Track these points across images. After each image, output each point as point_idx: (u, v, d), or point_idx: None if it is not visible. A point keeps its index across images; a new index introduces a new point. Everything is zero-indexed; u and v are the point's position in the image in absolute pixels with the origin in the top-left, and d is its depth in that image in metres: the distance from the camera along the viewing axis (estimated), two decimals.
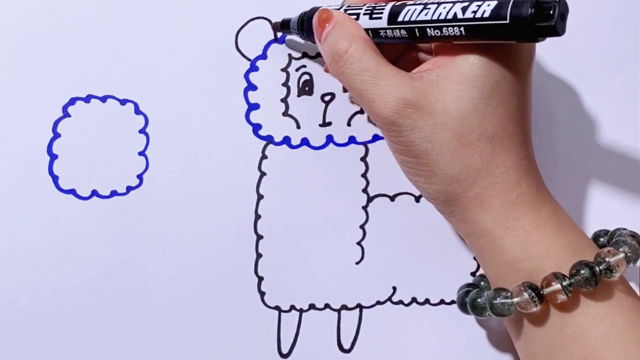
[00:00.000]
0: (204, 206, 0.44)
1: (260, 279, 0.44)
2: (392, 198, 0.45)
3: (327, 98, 0.44)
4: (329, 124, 0.44)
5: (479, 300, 0.39)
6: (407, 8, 0.36)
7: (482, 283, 0.42)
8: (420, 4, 0.36)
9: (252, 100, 0.44)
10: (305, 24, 0.41)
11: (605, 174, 0.45)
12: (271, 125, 0.44)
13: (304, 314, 0.45)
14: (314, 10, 0.40)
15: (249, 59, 0.44)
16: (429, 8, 0.35)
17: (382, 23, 0.37)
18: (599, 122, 0.45)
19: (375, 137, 0.44)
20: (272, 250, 0.44)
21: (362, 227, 0.44)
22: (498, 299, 0.37)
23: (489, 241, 0.37)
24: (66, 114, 0.43)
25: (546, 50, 0.45)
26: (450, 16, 0.34)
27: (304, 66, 0.44)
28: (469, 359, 0.45)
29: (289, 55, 0.44)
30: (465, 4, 0.34)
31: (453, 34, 0.35)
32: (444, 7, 0.35)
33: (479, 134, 0.36)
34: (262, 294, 0.44)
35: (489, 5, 0.33)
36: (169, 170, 0.44)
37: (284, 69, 0.44)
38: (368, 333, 0.45)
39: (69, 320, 0.44)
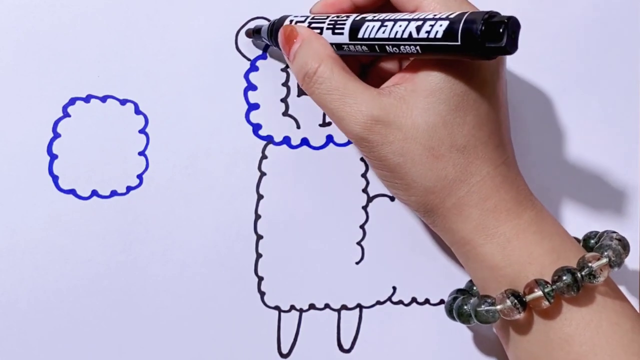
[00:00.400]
0: (204, 206, 0.44)
1: (260, 279, 0.44)
2: (392, 198, 0.45)
3: None
4: (329, 124, 0.44)
5: (465, 307, 0.39)
6: (365, 24, 0.37)
7: (475, 288, 0.42)
8: (377, 20, 0.36)
9: (252, 100, 0.44)
10: (274, 35, 0.41)
11: (603, 174, 0.45)
12: (271, 125, 0.44)
13: (304, 314, 0.45)
14: (282, 19, 0.41)
15: (249, 59, 0.44)
16: (386, 25, 0.36)
17: (344, 39, 0.38)
18: (598, 122, 0.45)
19: None
20: (272, 250, 0.44)
21: (362, 227, 0.45)
22: (482, 307, 0.37)
23: (470, 250, 0.38)
24: (66, 114, 0.43)
25: (545, 50, 0.45)
26: (405, 35, 0.35)
27: None
28: (468, 359, 0.45)
29: None
30: (419, 23, 0.35)
31: (411, 51, 0.35)
32: (400, 26, 0.35)
33: (449, 146, 0.36)
34: (262, 294, 0.44)
35: (441, 25, 0.34)
36: (169, 170, 0.44)
37: (284, 69, 0.44)
38: (368, 333, 0.45)
39: (69, 320, 0.44)
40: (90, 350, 0.44)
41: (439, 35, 0.34)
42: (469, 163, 0.37)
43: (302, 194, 0.44)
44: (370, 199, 0.44)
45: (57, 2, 0.43)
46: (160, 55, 0.43)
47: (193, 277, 0.44)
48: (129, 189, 0.44)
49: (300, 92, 0.44)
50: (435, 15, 0.34)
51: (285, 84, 0.44)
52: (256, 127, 0.44)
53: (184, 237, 0.44)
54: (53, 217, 0.43)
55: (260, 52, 0.44)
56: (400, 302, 0.45)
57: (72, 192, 0.43)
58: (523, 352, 0.38)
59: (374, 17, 0.37)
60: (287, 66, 0.44)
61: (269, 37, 0.42)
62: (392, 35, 0.35)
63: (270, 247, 0.44)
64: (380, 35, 0.36)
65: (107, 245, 0.44)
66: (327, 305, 0.45)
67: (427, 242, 0.45)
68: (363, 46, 0.37)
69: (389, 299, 0.45)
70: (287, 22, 0.41)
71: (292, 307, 0.45)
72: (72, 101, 0.43)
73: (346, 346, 0.45)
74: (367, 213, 0.44)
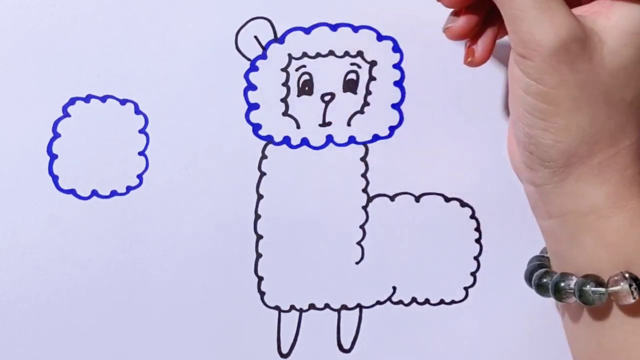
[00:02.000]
0: (204, 206, 0.44)
1: (260, 279, 0.44)
2: (392, 198, 0.45)
3: (327, 98, 0.44)
4: (329, 124, 0.44)
5: (563, 284, 0.35)
6: None
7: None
8: None
9: (252, 100, 0.44)
10: None
11: None
12: (271, 125, 0.44)
13: (303, 314, 0.45)
14: None
15: (249, 59, 0.44)
16: None
17: None
18: None
19: (375, 137, 0.44)
20: (272, 250, 0.44)
21: (362, 227, 0.44)
22: (588, 286, 0.34)
23: (593, 220, 0.34)
24: (66, 114, 0.43)
25: None
26: None
27: (304, 66, 0.44)
28: (468, 359, 0.45)
29: (289, 55, 0.44)
30: None
31: None
32: None
33: (621, 96, 0.33)
34: (262, 294, 0.44)
35: None
36: (169, 170, 0.44)
37: (284, 69, 0.44)
38: (368, 333, 0.45)
39: (69, 320, 0.44)
40: (90, 350, 0.44)
41: None
42: (628, 123, 0.33)
43: (302, 194, 0.44)
44: (370, 199, 0.44)
45: (57, 2, 0.43)
46: (160, 55, 0.43)
47: (193, 277, 0.44)
48: (129, 189, 0.44)
49: (300, 92, 0.44)
50: None
51: (285, 84, 0.44)
52: (256, 127, 0.44)
53: (184, 237, 0.44)
54: (53, 217, 0.43)
55: (260, 52, 0.44)
56: (400, 302, 0.45)
57: (72, 192, 0.43)
58: (618, 339, 0.34)
59: None
60: (287, 66, 0.44)
61: None
62: None
63: (270, 247, 0.44)
64: None
65: (107, 245, 0.44)
66: (327, 305, 0.45)
67: (427, 242, 0.45)
68: None
69: (389, 299, 0.45)
70: None
71: (292, 307, 0.45)
72: (72, 101, 0.43)
73: (346, 346, 0.45)
74: (367, 213, 0.44)
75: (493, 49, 0.38)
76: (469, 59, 0.38)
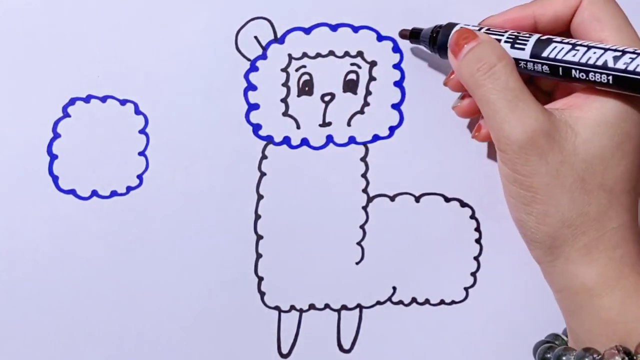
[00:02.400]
0: (204, 206, 0.44)
1: (260, 279, 0.44)
2: (392, 198, 0.45)
3: (327, 98, 0.44)
4: (329, 124, 0.44)
5: (564, 358, 0.37)
6: (553, 44, 0.36)
7: (556, 342, 0.40)
8: (567, 43, 0.36)
9: (252, 101, 0.44)
10: (438, 38, 0.40)
11: None
12: (271, 125, 0.44)
13: (303, 314, 0.45)
14: (450, 25, 0.40)
15: (249, 59, 0.44)
16: (578, 50, 0.35)
17: (524, 55, 0.37)
18: None
19: (375, 137, 0.44)
20: (272, 250, 0.44)
21: (362, 227, 0.44)
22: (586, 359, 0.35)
23: (585, 299, 0.36)
24: (66, 114, 0.43)
25: None
26: (599, 63, 0.34)
27: (304, 66, 0.44)
28: (468, 359, 0.45)
29: (289, 55, 0.44)
30: (618, 53, 0.34)
31: (599, 80, 0.34)
32: (594, 52, 0.35)
33: (600, 183, 0.35)
34: (262, 294, 0.44)
35: None
36: (169, 170, 0.44)
37: (284, 69, 0.44)
38: (368, 333, 0.45)
39: (69, 320, 0.44)
40: (90, 350, 0.44)
41: (639, 70, 0.33)
42: (611, 207, 0.35)
43: (302, 194, 0.44)
44: (370, 199, 0.44)
45: (57, 2, 0.43)
46: (160, 55, 0.43)
47: (193, 277, 0.44)
48: (129, 189, 0.44)
49: (300, 92, 0.44)
50: (635, 50, 0.34)
51: (285, 84, 0.44)
52: (256, 127, 0.44)
53: (184, 237, 0.44)
54: (53, 217, 0.43)
55: (260, 52, 0.44)
56: (400, 302, 0.45)
57: (72, 192, 0.43)
58: None
59: (562, 39, 0.36)
60: (287, 66, 0.44)
61: (430, 40, 0.41)
62: (583, 60, 0.35)
63: (270, 247, 0.44)
64: (569, 57, 0.35)
65: (107, 245, 0.44)
66: (327, 306, 0.45)
67: (427, 242, 0.45)
68: (544, 66, 0.36)
69: (389, 299, 0.45)
70: (457, 27, 0.39)
71: (292, 307, 0.45)
72: (72, 101, 0.43)
73: (346, 346, 0.45)
74: (367, 213, 0.44)
75: None
76: (476, 133, 0.42)
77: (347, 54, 0.44)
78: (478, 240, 0.45)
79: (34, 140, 0.43)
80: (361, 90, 0.44)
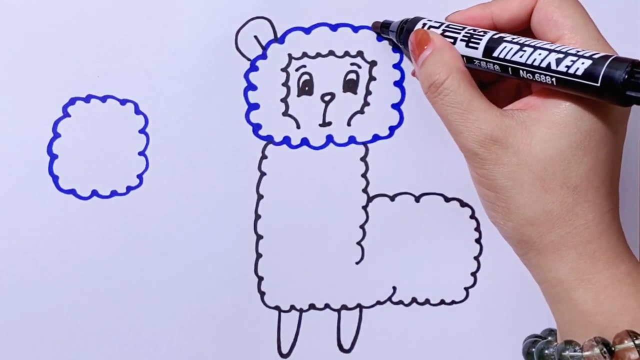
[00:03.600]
0: (204, 206, 0.44)
1: (260, 279, 0.44)
2: (392, 198, 0.45)
3: (327, 98, 0.44)
4: (329, 124, 0.44)
5: (547, 351, 0.38)
6: (503, 44, 0.36)
7: (550, 337, 0.41)
8: (517, 43, 0.36)
9: (252, 100, 0.44)
10: (404, 34, 0.41)
11: None
12: (271, 125, 0.44)
13: (304, 314, 0.45)
14: (415, 20, 0.40)
15: (249, 59, 0.44)
16: (525, 50, 0.35)
17: (477, 54, 0.37)
18: None
19: (375, 137, 0.44)
20: (272, 250, 0.44)
21: (362, 227, 0.44)
22: (567, 352, 0.36)
23: (561, 291, 0.37)
24: (66, 114, 0.43)
25: None
26: (543, 64, 0.35)
27: (304, 66, 0.44)
28: (468, 359, 0.45)
29: (289, 55, 0.44)
30: (560, 55, 0.34)
31: (544, 81, 0.35)
32: (539, 54, 0.35)
33: (561, 182, 0.36)
34: (262, 294, 0.44)
35: (582, 63, 0.33)
36: (169, 170, 0.44)
37: (284, 69, 0.44)
38: (368, 333, 0.45)
39: (69, 320, 0.44)
40: (90, 350, 0.44)
41: (579, 73, 0.33)
42: (577, 204, 0.36)
43: (302, 194, 0.44)
44: (370, 199, 0.44)
45: (57, 2, 0.43)
46: (160, 55, 0.43)
47: (193, 277, 0.44)
48: (129, 189, 0.44)
49: (300, 92, 0.44)
50: (577, 51, 0.34)
51: (285, 84, 0.44)
52: (256, 127, 0.44)
53: (184, 237, 0.44)
54: (53, 217, 0.43)
55: (260, 52, 0.44)
56: (400, 302, 0.45)
57: (72, 192, 0.43)
58: None
59: (513, 39, 0.36)
60: (287, 66, 0.44)
61: (397, 35, 0.41)
62: (529, 62, 0.35)
63: (270, 247, 0.44)
64: (516, 58, 0.36)
65: (107, 245, 0.44)
66: (327, 305, 0.45)
67: (427, 242, 0.45)
68: (495, 65, 0.37)
69: (389, 299, 0.45)
70: (419, 24, 0.40)
71: (292, 307, 0.45)
72: (72, 101, 0.43)
73: (346, 346, 0.45)
74: (367, 213, 0.44)
75: None
76: None
77: (347, 53, 0.44)
78: (478, 240, 0.45)
79: (34, 140, 0.43)
80: (361, 90, 0.44)
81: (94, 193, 0.44)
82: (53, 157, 0.43)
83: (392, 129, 0.44)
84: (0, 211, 0.43)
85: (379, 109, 0.44)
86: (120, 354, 0.44)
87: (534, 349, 0.39)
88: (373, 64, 0.44)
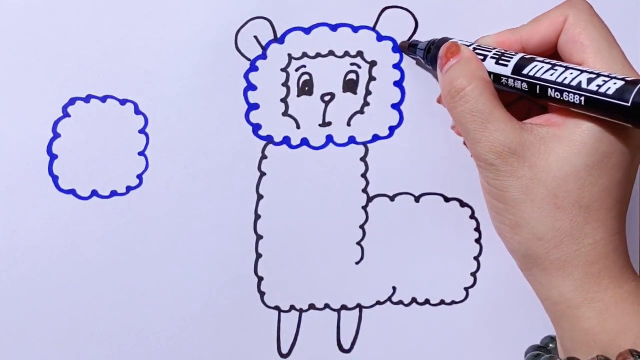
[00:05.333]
0: (204, 206, 0.44)
1: (260, 279, 0.44)
2: (392, 198, 0.45)
3: (327, 98, 0.44)
4: (329, 124, 0.44)
5: None
6: (534, 63, 0.36)
7: (551, 345, 0.41)
8: (549, 63, 0.36)
9: (252, 101, 0.44)
10: (432, 52, 0.41)
11: None
12: (271, 125, 0.44)
13: (303, 314, 0.45)
14: (443, 40, 0.41)
15: (249, 59, 0.44)
16: (556, 70, 0.36)
17: (507, 71, 0.37)
18: None
19: (375, 137, 0.44)
20: (272, 250, 0.44)
21: (362, 227, 0.45)
22: None
23: (565, 309, 0.37)
24: (66, 114, 0.43)
25: None
26: (574, 83, 0.35)
27: (304, 66, 0.44)
28: (468, 359, 0.45)
29: (289, 55, 0.44)
30: (593, 76, 0.34)
31: (572, 101, 0.35)
32: (571, 73, 0.35)
33: (574, 201, 0.36)
34: (262, 294, 0.44)
35: (615, 83, 0.34)
36: (169, 170, 0.44)
37: (284, 69, 0.44)
38: (368, 333, 0.45)
39: (69, 320, 0.44)
40: (90, 350, 0.44)
41: (610, 92, 0.33)
42: (587, 223, 0.36)
43: (302, 194, 0.44)
44: (370, 199, 0.44)
45: (57, 2, 0.43)
46: (160, 55, 0.43)
47: (193, 277, 0.44)
48: (129, 189, 0.44)
49: (300, 92, 0.44)
50: (610, 74, 0.34)
51: (285, 84, 0.44)
52: (256, 127, 0.44)
53: (184, 237, 0.44)
54: (53, 217, 0.43)
55: (260, 52, 0.44)
56: (400, 302, 0.45)
57: (72, 192, 0.44)
58: None
59: (544, 59, 0.37)
60: (287, 66, 0.44)
61: (425, 54, 0.42)
62: (559, 80, 0.35)
63: (270, 247, 0.44)
64: (546, 76, 0.36)
65: (107, 245, 0.44)
66: (327, 306, 0.45)
67: (427, 242, 0.45)
68: (524, 83, 0.37)
69: (389, 299, 0.45)
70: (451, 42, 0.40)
71: (292, 307, 0.45)
72: (72, 101, 0.43)
73: (346, 346, 0.45)
74: (367, 213, 0.44)
75: None
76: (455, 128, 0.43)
77: (347, 54, 0.44)
78: (478, 240, 0.45)
79: (34, 140, 0.43)
80: (361, 90, 0.44)
81: (94, 193, 0.44)
82: (53, 157, 0.43)
83: (392, 129, 0.44)
84: (0, 211, 0.43)
85: (379, 109, 0.44)
86: (120, 353, 0.44)
87: None
88: (373, 64, 0.44)
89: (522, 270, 0.39)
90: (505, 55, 0.38)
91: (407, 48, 0.43)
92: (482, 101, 0.37)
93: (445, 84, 0.38)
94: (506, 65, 0.37)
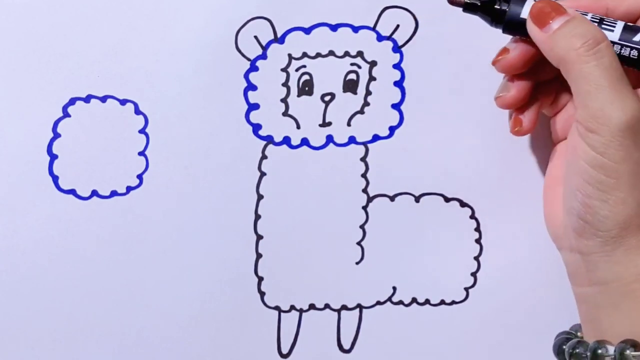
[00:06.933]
0: (204, 206, 0.44)
1: (260, 279, 0.44)
2: (392, 198, 0.45)
3: (327, 98, 0.44)
4: (329, 124, 0.44)
5: (578, 350, 0.37)
6: None
7: (579, 333, 0.40)
8: None
9: (252, 100, 0.44)
10: (510, 8, 0.37)
11: None
12: (271, 125, 0.44)
13: (303, 314, 0.45)
14: None
15: (249, 59, 0.44)
16: None
17: (613, 36, 0.35)
18: None
19: (375, 137, 0.44)
20: (272, 250, 0.44)
21: (362, 227, 0.44)
22: (628, 351, 0.35)
23: (637, 289, 0.35)
24: (66, 114, 0.43)
25: None
26: None
27: (304, 66, 0.44)
28: (468, 359, 0.45)
29: (289, 55, 0.44)
30: None
31: None
32: None
33: None
34: (262, 294, 0.44)
35: None
36: (169, 170, 0.44)
37: (284, 69, 0.44)
38: (368, 333, 0.45)
39: (69, 320, 0.44)
40: (90, 350, 0.44)
41: None
42: None
43: (302, 194, 0.44)
44: (370, 199, 0.44)
45: (57, 2, 0.43)
46: (160, 55, 0.43)
47: (193, 277, 0.44)
48: (129, 189, 0.44)
49: (300, 92, 0.44)
50: None
51: (285, 83, 0.44)
52: (256, 127, 0.44)
53: (184, 237, 0.44)
54: (53, 217, 0.43)
55: (260, 52, 0.44)
56: (400, 302, 0.45)
57: (72, 192, 0.43)
58: None
59: None
60: (287, 66, 0.44)
61: (491, 11, 0.37)
62: None
63: (270, 247, 0.44)
64: None
65: (107, 245, 0.44)
66: (327, 306, 0.45)
67: (427, 242, 0.45)
68: (633, 50, 0.34)
69: (389, 299, 0.45)
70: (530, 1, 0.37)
71: (292, 307, 0.45)
72: (72, 101, 0.43)
73: (346, 346, 0.45)
74: (367, 213, 0.44)
75: (537, 121, 0.40)
76: (516, 129, 0.40)
77: (347, 54, 0.44)
78: (478, 240, 0.45)
79: (34, 140, 0.43)
80: (361, 90, 0.44)
81: (94, 193, 0.44)
82: (53, 157, 0.43)
83: (392, 129, 0.44)
84: (0, 211, 0.43)
85: (379, 109, 0.44)
86: (120, 353, 0.44)
87: (565, 347, 0.38)
88: (373, 64, 0.44)
89: (596, 252, 0.36)
90: (606, 20, 0.35)
91: (465, 5, 0.38)
92: (615, 60, 0.35)
93: (574, 36, 0.35)
94: (612, 30, 0.35)
